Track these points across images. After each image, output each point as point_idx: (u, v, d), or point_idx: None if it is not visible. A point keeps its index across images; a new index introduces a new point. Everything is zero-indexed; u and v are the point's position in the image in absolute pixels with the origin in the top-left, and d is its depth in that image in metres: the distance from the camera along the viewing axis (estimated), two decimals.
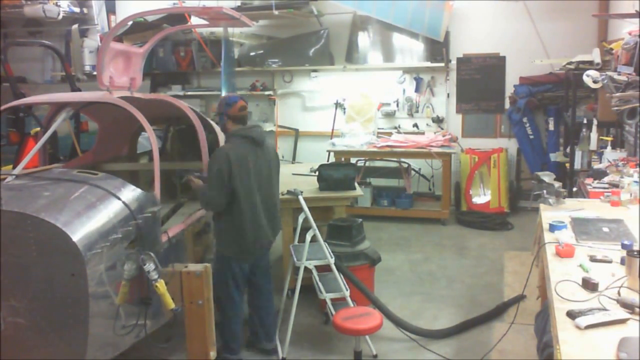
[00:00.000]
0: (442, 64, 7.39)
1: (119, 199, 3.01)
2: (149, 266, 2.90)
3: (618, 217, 3.31)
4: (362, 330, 3.34)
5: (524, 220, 6.81)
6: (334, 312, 3.89)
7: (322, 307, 4.46)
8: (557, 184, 3.79)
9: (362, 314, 3.45)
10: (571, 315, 2.10)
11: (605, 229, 3.09)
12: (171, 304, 2.95)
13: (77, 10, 7.96)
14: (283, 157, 8.34)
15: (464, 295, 4.84)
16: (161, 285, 2.92)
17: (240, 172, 3.50)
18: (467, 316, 4.34)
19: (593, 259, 2.67)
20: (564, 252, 2.75)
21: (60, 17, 7.68)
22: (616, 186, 3.96)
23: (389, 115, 7.83)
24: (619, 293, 2.26)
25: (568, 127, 6.27)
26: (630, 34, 4.27)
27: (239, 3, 7.72)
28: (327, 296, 3.96)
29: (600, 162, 4.85)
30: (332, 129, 7.82)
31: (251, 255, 3.72)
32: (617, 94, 3.94)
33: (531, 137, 7.29)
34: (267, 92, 8.18)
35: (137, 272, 2.94)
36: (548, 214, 3.46)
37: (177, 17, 7.53)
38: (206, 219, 4.11)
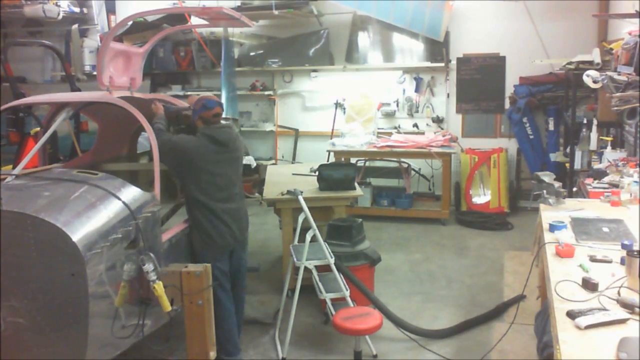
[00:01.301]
0: (442, 64, 7.39)
1: (119, 199, 3.00)
2: (148, 267, 2.90)
3: (618, 217, 3.31)
4: (362, 330, 3.34)
5: (524, 220, 6.81)
6: (334, 312, 3.89)
7: (322, 307, 4.46)
8: (557, 184, 3.79)
9: (362, 314, 3.44)
10: (571, 315, 2.10)
11: (605, 229, 3.09)
12: (168, 307, 2.93)
13: (77, 10, 7.97)
14: (283, 156, 8.36)
15: (463, 295, 4.84)
16: (159, 287, 2.91)
17: (198, 169, 3.56)
18: (467, 316, 4.34)
19: (593, 259, 2.67)
20: (564, 252, 2.75)
21: (60, 17, 7.68)
22: (616, 186, 3.96)
23: (389, 115, 7.83)
24: (619, 293, 2.26)
25: (568, 127, 6.27)
26: (630, 34, 4.27)
27: (239, 3, 7.73)
28: (327, 296, 3.96)
29: (600, 162, 4.85)
30: (332, 129, 7.82)
31: (222, 248, 3.68)
32: (617, 94, 3.94)
33: (531, 137, 7.29)
34: (267, 92, 8.19)
35: (137, 272, 2.94)
36: (548, 214, 3.46)
37: (177, 17, 7.54)
38: None
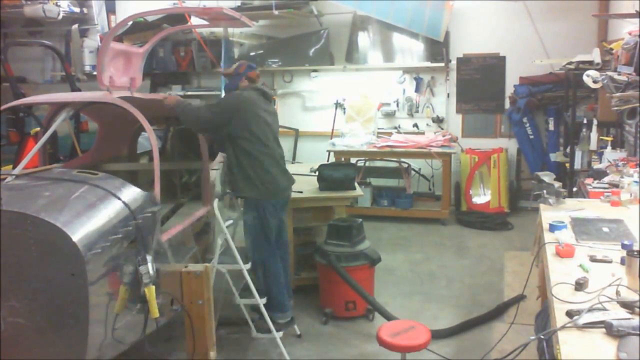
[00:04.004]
0: (442, 64, 7.39)
1: (119, 199, 3.00)
2: (144, 268, 2.88)
3: (618, 217, 3.31)
4: (412, 347, 3.12)
5: (524, 220, 6.81)
6: (248, 318, 3.88)
7: (323, 307, 4.46)
8: (557, 184, 3.78)
9: (407, 328, 3.23)
10: (571, 315, 2.10)
11: (605, 229, 3.08)
12: (156, 313, 2.88)
13: (77, 10, 7.96)
14: None
15: (464, 295, 4.84)
16: (150, 291, 2.89)
17: (255, 116, 3.83)
18: (467, 316, 4.34)
19: (593, 259, 2.66)
20: (564, 252, 2.75)
21: (60, 17, 7.67)
22: (616, 186, 3.95)
23: (389, 115, 7.83)
24: (617, 293, 2.26)
25: (568, 127, 6.27)
26: (630, 34, 4.27)
27: (239, 3, 7.73)
28: (242, 302, 3.86)
29: (600, 162, 4.85)
30: (332, 129, 7.82)
31: (281, 197, 3.95)
32: (617, 94, 3.94)
33: (531, 137, 7.29)
34: None
35: (135, 274, 2.93)
36: (548, 214, 3.45)
37: (177, 17, 7.53)
38: (206, 219, 4.11)
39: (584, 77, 4.65)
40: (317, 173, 4.98)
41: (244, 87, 3.98)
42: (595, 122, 5.34)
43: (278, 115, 8.09)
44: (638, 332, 1.90)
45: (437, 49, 7.38)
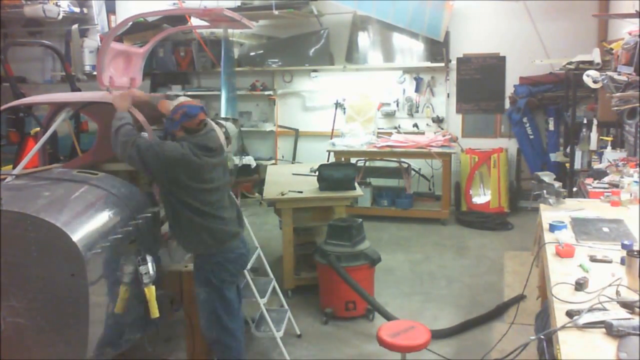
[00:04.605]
0: (442, 64, 7.39)
1: (119, 198, 3.01)
2: (144, 268, 2.89)
3: (618, 217, 3.31)
4: (412, 347, 3.12)
5: (524, 220, 6.81)
6: (248, 318, 3.85)
7: (323, 307, 4.46)
8: (557, 184, 3.78)
9: (407, 328, 3.23)
10: (571, 315, 2.10)
11: (605, 229, 3.08)
12: (156, 313, 2.88)
13: (77, 10, 7.96)
14: (283, 157, 8.36)
15: (464, 295, 4.84)
16: (150, 291, 2.89)
17: (191, 178, 3.06)
18: (467, 316, 4.34)
19: (593, 259, 2.66)
20: (564, 252, 2.75)
21: (60, 17, 7.68)
22: (616, 186, 3.95)
23: (389, 115, 7.83)
24: (617, 293, 2.26)
25: (568, 127, 6.27)
26: (630, 34, 4.27)
27: (239, 3, 7.73)
28: (262, 301, 3.84)
29: (600, 162, 4.85)
30: (332, 129, 7.83)
31: (232, 246, 3.24)
32: (617, 94, 3.93)
33: (531, 137, 7.29)
34: (267, 92, 8.19)
35: (135, 274, 2.94)
36: (548, 214, 3.45)
37: (177, 18, 7.54)
38: None
39: (584, 77, 4.65)
40: (317, 173, 4.98)
41: (181, 138, 3.13)
42: (595, 122, 5.34)
43: (278, 117, 8.04)
44: (638, 332, 1.90)
45: (437, 49, 7.38)
